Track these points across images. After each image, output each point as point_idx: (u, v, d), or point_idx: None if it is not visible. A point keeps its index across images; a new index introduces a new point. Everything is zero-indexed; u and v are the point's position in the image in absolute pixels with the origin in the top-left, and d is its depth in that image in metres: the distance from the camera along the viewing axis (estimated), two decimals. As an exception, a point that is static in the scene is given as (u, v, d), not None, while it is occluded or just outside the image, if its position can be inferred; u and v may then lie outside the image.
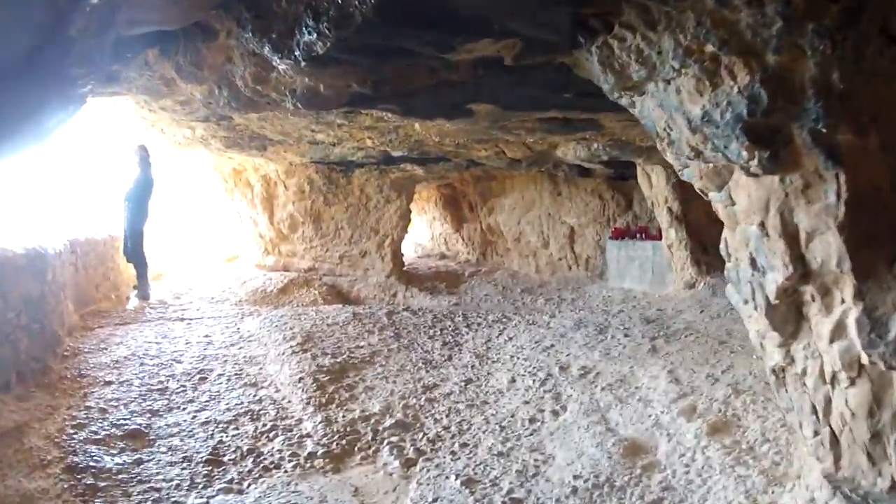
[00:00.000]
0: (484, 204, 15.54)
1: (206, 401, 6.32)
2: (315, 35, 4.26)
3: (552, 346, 8.04)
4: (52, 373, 6.82)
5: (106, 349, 7.79)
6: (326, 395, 6.36)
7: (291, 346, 7.68)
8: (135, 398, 6.30)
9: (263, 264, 13.90)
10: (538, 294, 12.68)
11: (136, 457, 5.14)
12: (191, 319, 9.70)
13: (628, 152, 9.60)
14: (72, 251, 8.82)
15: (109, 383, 6.68)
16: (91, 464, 4.93)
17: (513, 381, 6.88)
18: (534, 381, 6.81)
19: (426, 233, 18.67)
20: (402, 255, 13.96)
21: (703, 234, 10.63)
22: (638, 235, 12.61)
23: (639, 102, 3.80)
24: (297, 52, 4.58)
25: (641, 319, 9.15)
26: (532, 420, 5.86)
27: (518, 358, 7.65)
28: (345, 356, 7.46)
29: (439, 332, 8.83)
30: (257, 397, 6.40)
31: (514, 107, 6.62)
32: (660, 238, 11.67)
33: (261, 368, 7.27)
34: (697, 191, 3.97)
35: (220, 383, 6.81)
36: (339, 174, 12.82)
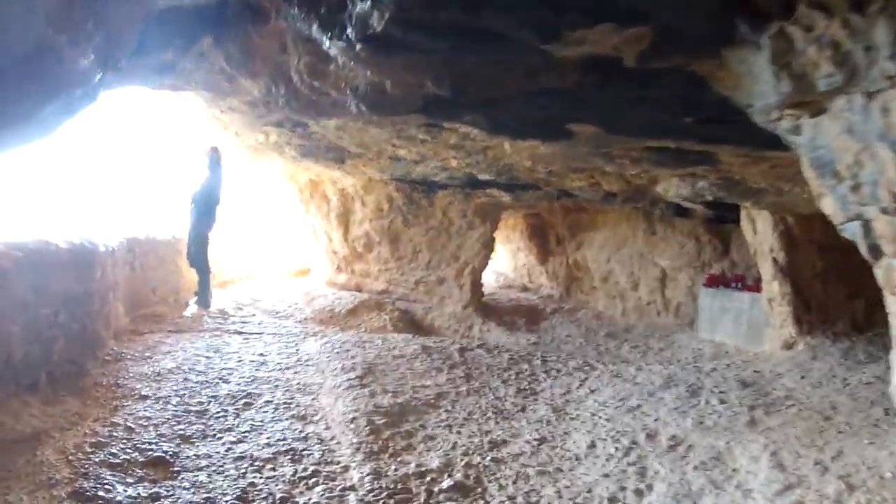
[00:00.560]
0: (572, 238, 14.67)
1: (246, 431, 5.62)
2: (369, 2, 3.43)
3: (638, 406, 7.11)
4: (88, 378, 6.36)
5: (151, 358, 7.27)
6: (380, 442, 5.56)
7: (349, 379, 6.96)
8: (168, 419, 5.67)
9: (335, 282, 13.39)
10: (623, 340, 11.75)
11: (153, 490, 4.45)
12: (249, 334, 9.16)
13: (736, 194, 8.57)
14: (129, 250, 8.47)
15: (145, 398, 6.09)
16: (100, 493, 4.27)
17: (592, 445, 5.96)
18: (616, 448, 5.88)
19: (509, 263, 17.86)
20: (482, 285, 13.21)
21: (808, 290, 9.67)
22: (734, 284, 11.49)
23: (809, 127, 2.84)
24: (349, 30, 3.83)
25: (737, 382, 8.13)
26: (612, 500, 4.93)
27: (600, 417, 6.74)
28: (407, 396, 6.69)
29: (514, 377, 7.98)
30: (303, 434, 5.67)
31: (623, 131, 5.75)
32: (758, 289, 10.59)
33: (313, 399, 6.57)
34: (866, 257, 3.00)
35: (266, 411, 6.13)
36: (420, 194, 12.19)
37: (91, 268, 6.78)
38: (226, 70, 5.87)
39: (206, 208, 10.16)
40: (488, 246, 12.52)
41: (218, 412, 5.99)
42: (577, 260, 14.68)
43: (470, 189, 11.46)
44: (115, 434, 5.19)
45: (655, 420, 6.66)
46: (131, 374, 6.66)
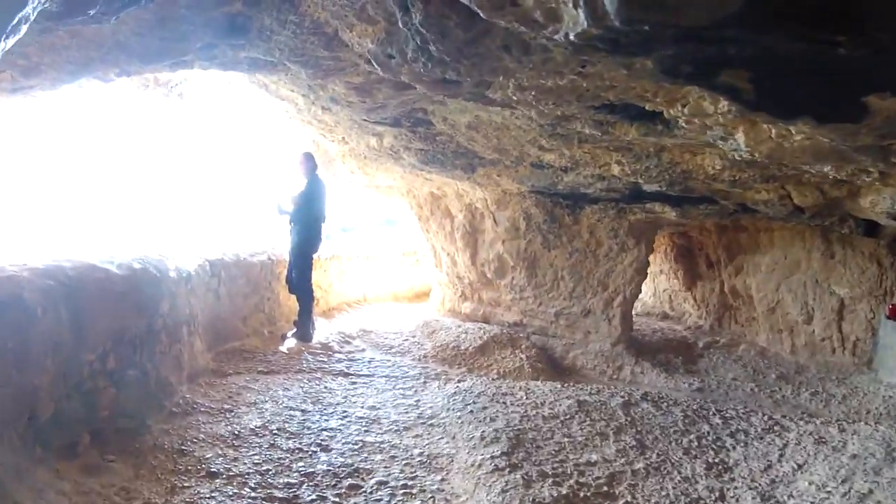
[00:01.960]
0: (730, 261, 12.63)
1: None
2: None
3: (870, 492, 5.27)
4: (147, 437, 5.05)
5: (231, 411, 5.84)
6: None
7: (493, 455, 5.24)
8: (239, 513, 4.16)
9: (458, 311, 11.92)
10: (797, 384, 9.83)
11: None
12: (357, 377, 7.70)
13: None
14: (212, 274, 7.28)
15: (214, 475, 4.64)
16: None
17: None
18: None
19: (647, 287, 15.88)
20: (633, 318, 11.41)
21: None
22: (924, 317, 9.41)
23: None
24: None
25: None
26: None
27: (826, 513, 4.97)
28: (572, 482, 4.93)
29: (696, 443, 6.26)
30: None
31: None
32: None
33: (443, 480, 4.94)
34: None
35: (380, 499, 4.56)
36: (564, 210, 10.45)
37: (156, 298, 5.46)
38: (320, 21, 4.44)
39: (308, 226, 8.90)
40: (642, 272, 10.69)
41: (313, 499, 4.44)
42: (736, 287, 12.68)
43: (626, 203, 9.78)
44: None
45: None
46: (202, 435, 5.22)
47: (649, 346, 11.23)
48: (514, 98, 4.69)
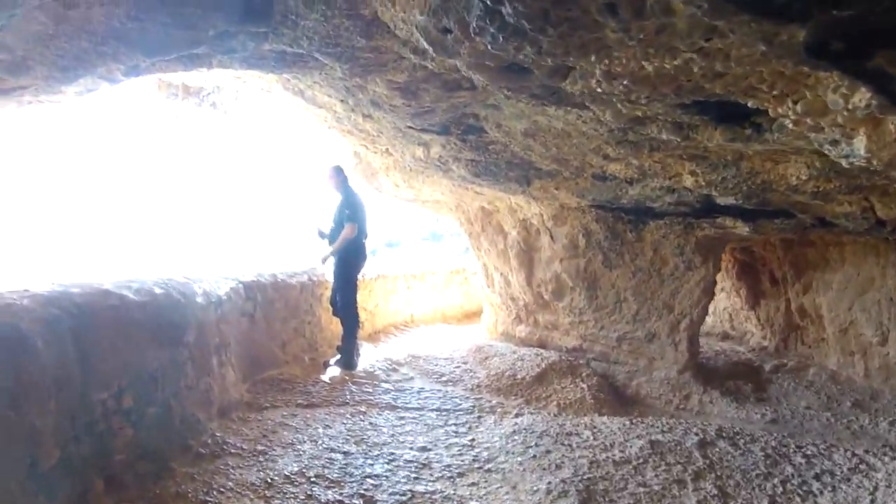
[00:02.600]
0: (797, 278, 11.82)
1: None
2: None
3: None
4: (171, 481, 4.53)
5: (265, 453, 5.28)
6: None
7: (561, 512, 4.65)
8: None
9: (512, 334, 11.27)
10: (874, 411, 9.11)
11: None
12: (405, 409, 7.13)
13: None
14: (246, 298, 6.81)
15: (241, 533, 4.07)
16: None
17: None
18: None
19: (706, 305, 15.12)
20: (699, 341, 10.61)
21: None
22: None
23: None
24: None
25: None
26: None
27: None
28: (655, 547, 4.33)
29: (781, 488, 5.63)
30: None
31: None
32: None
33: (504, 542, 4.35)
34: None
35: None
36: (626, 225, 9.77)
37: (180, 326, 4.95)
38: (362, 13, 3.93)
39: (349, 244, 8.37)
40: (709, 292, 9.94)
41: (353, 565, 3.88)
42: (804, 305, 11.91)
43: (694, 218, 9.07)
44: None
45: None
46: (231, 483, 4.67)
47: (715, 372, 10.51)
48: (598, 90, 3.95)
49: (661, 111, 4.35)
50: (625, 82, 3.69)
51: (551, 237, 10.20)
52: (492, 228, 11.13)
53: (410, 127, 6.67)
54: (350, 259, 8.40)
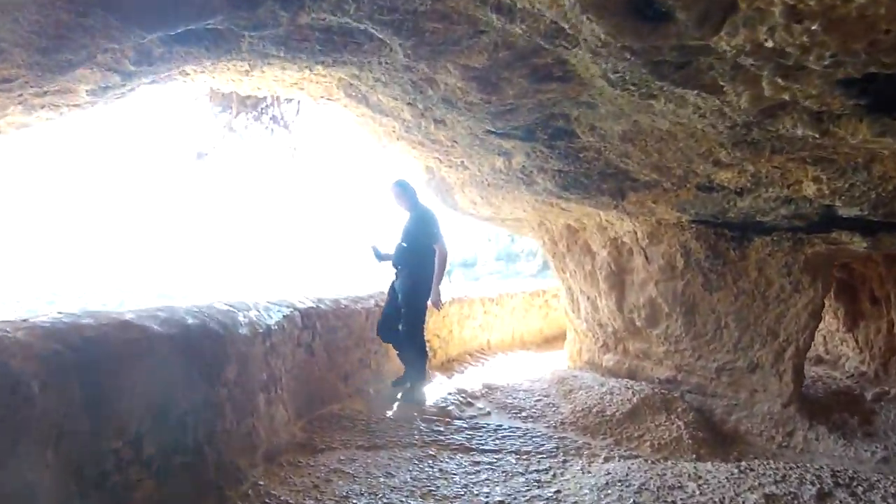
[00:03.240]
0: (902, 296, 10.86)
1: None
2: None
3: None
4: None
5: (315, 508, 4.59)
6: None
7: None
8: None
9: (599, 363, 10.43)
10: None
11: None
12: (481, 452, 6.40)
13: None
14: (303, 326, 6.19)
15: None
16: None
17: None
18: None
19: (798, 326, 14.10)
20: (804, 371, 9.63)
21: None
22: None
23: None
24: None
25: None
26: None
27: None
28: None
29: None
30: None
31: None
32: None
33: None
34: None
35: None
36: (729, 243, 8.81)
37: (217, 361, 4.37)
38: None
39: (418, 267, 7.74)
40: (817, 316, 8.94)
41: None
42: (909, 326, 10.86)
43: (805, 233, 8.20)
44: None
45: None
46: (273, 547, 3.99)
47: (818, 403, 9.54)
48: (766, 45, 3.09)
49: (813, 92, 3.49)
50: (814, 27, 2.82)
51: (646, 257, 9.37)
52: (578, 248, 10.36)
53: (490, 132, 5.95)
54: (424, 282, 7.73)
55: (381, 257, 7.95)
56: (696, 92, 3.91)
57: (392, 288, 7.92)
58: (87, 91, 4.57)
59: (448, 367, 9.64)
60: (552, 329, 13.81)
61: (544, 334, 13.65)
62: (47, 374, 3.11)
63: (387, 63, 4.96)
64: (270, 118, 7.82)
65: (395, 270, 7.82)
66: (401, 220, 8.00)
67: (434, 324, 9.12)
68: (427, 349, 8.00)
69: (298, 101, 8.05)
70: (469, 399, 8.25)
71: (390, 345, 8.00)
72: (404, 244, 7.78)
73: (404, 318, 7.67)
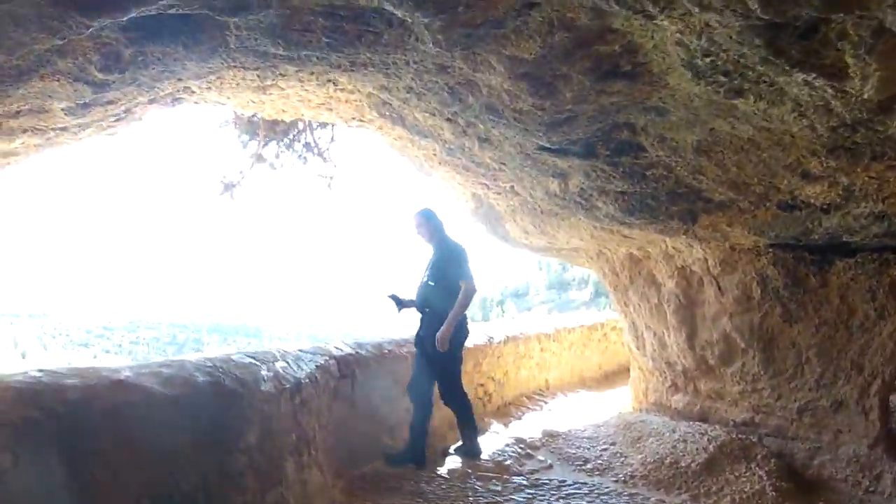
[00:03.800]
0: None
1: None
2: None
3: None
4: None
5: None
6: None
7: None
8: None
9: (667, 405, 9.76)
10: None
11: None
12: (543, 513, 5.79)
13: None
14: (341, 375, 5.72)
15: None
16: None
17: None
18: None
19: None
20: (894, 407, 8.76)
21: None
22: None
23: None
24: None
25: None
26: None
27: None
28: None
29: None
30: None
31: None
32: None
33: None
34: None
35: None
36: (808, 268, 8.09)
37: (234, 424, 3.83)
38: None
39: (447, 308, 6.72)
40: (905, 346, 8.33)
41: None
42: None
43: (893, 253, 7.52)
44: None
45: None
46: None
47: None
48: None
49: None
50: None
51: (718, 288, 8.67)
52: (642, 279, 9.75)
53: (543, 149, 5.35)
54: (458, 326, 6.85)
55: (403, 305, 7.03)
56: (808, 77, 3.24)
57: (418, 338, 6.95)
58: (63, 110, 4.06)
59: (504, 412, 9.07)
60: (611, 364, 13.29)
61: (603, 369, 13.10)
62: (21, 445, 2.67)
63: (416, 63, 4.34)
64: (303, 146, 7.34)
65: (419, 315, 6.95)
66: (425, 255, 7.21)
67: (488, 366, 8.63)
68: (468, 402, 7.23)
69: (332, 126, 7.57)
70: (528, 450, 7.69)
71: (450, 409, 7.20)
72: (430, 283, 6.93)
73: (438, 369, 6.80)
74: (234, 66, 4.54)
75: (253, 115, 7.81)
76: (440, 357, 6.66)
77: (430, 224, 7.06)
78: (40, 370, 3.10)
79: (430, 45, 3.91)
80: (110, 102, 4.32)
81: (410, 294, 7.01)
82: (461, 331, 6.92)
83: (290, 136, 7.04)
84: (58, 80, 3.82)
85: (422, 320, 6.92)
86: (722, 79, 3.51)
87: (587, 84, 4.06)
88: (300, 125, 7.07)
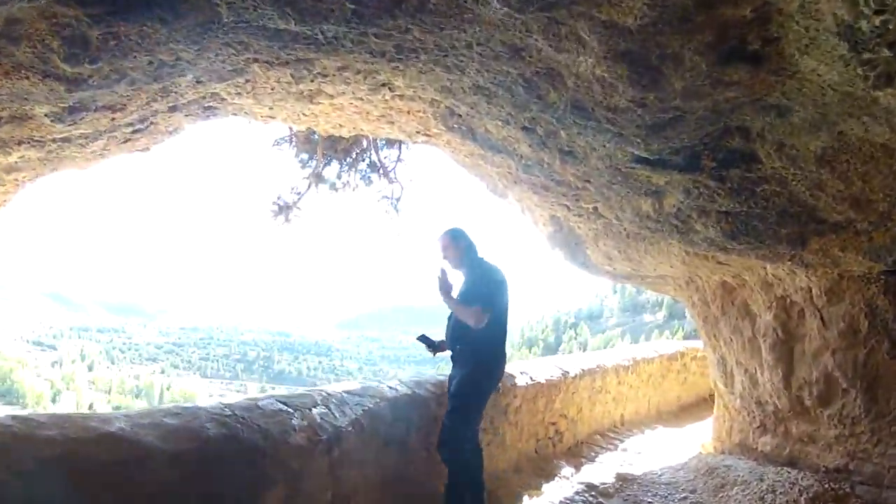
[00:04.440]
0: None
1: None
2: None
3: None
4: None
5: None
6: None
7: None
8: None
9: (752, 447, 8.93)
10: None
11: None
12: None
13: None
14: (394, 420, 5.13)
15: None
16: None
17: None
18: None
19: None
20: None
21: None
22: None
23: None
24: None
25: None
26: None
27: None
28: None
29: None
30: None
31: None
32: None
33: None
34: None
35: None
36: (924, 298, 7.22)
37: (253, 486, 3.24)
38: None
39: (481, 344, 5.60)
40: None
41: None
42: None
43: None
44: None
45: None
46: None
47: None
48: None
49: None
50: None
51: (822, 320, 7.71)
52: (735, 310, 8.89)
53: (639, 160, 4.60)
54: (488, 362, 5.71)
55: (435, 347, 6.06)
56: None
57: (450, 380, 5.90)
58: (47, 115, 3.53)
59: (576, 452, 8.41)
60: (689, 395, 12.69)
61: (681, 401, 12.46)
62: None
63: (480, 46, 3.53)
64: (367, 165, 6.80)
65: (451, 355, 5.89)
66: (457, 280, 6.05)
67: (562, 402, 8.03)
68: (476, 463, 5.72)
69: (399, 144, 7.00)
70: (600, 498, 7.05)
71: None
72: (459, 317, 5.76)
73: (452, 413, 5.52)
74: (247, 55, 3.85)
75: (310, 132, 7.32)
76: (458, 399, 5.56)
77: (458, 245, 6.02)
78: (13, 417, 2.52)
79: (496, 4, 3.01)
80: (107, 108, 3.77)
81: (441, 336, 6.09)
82: (490, 379, 5.80)
83: (353, 155, 6.51)
84: (26, 78, 3.31)
85: (453, 359, 5.92)
86: (886, 53, 2.67)
87: (703, 69, 3.23)
88: (364, 143, 6.52)
